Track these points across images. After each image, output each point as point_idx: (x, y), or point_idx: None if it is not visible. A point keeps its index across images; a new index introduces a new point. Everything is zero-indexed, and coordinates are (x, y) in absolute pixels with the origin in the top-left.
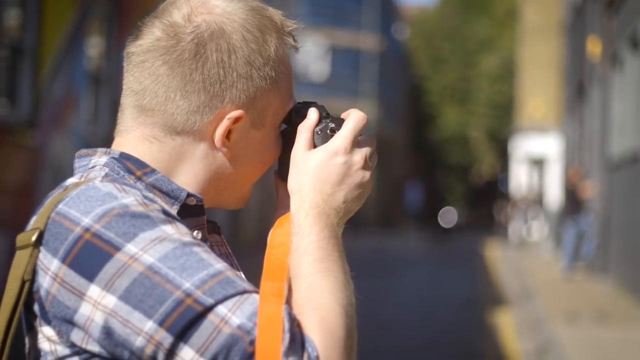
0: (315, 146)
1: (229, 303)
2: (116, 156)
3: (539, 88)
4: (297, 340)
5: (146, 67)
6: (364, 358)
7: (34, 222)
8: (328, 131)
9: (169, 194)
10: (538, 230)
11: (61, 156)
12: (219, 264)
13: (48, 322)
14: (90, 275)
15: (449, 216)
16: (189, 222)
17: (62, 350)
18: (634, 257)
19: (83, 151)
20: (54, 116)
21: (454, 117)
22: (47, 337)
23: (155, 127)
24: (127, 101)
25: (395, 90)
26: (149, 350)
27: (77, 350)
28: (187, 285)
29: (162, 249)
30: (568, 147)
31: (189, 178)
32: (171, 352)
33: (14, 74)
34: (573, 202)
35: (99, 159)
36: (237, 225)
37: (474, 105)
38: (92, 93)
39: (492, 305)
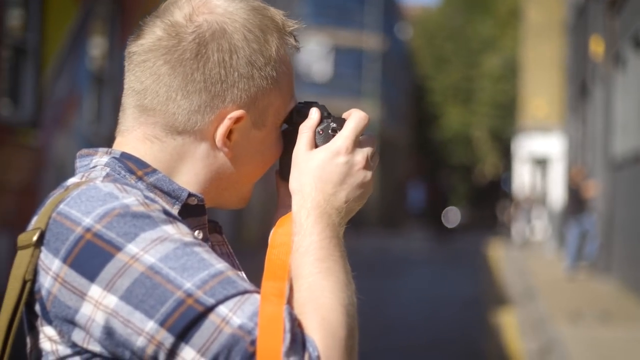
0: (316, 146)
1: (230, 303)
2: (117, 156)
3: (541, 88)
4: (298, 340)
5: (147, 67)
6: (366, 358)
7: (35, 222)
8: (329, 131)
9: (170, 194)
10: (541, 230)
11: (64, 156)
12: (220, 264)
13: (49, 322)
14: (91, 275)
15: (452, 216)
16: (190, 222)
17: (64, 350)
18: (636, 256)
19: (84, 151)
20: (57, 116)
21: (457, 116)
22: (48, 337)
23: (157, 126)
24: (129, 101)
25: (398, 90)
26: (150, 351)
27: (78, 350)
28: (188, 285)
29: (163, 249)
30: (571, 146)
31: (190, 178)
32: (172, 352)
33: (16, 74)
34: (576, 201)
35: (100, 158)
36: (239, 226)
37: (476, 105)
38: (94, 93)
39: (495, 304)
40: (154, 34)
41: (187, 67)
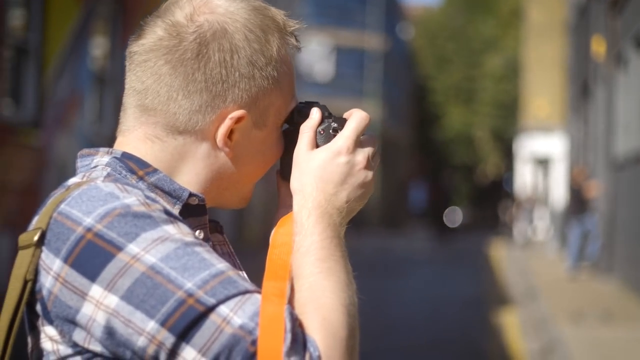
0: (317, 146)
1: (231, 303)
2: (118, 156)
3: (543, 88)
4: (299, 340)
5: (148, 67)
6: (368, 358)
7: (36, 221)
8: (330, 131)
9: (170, 194)
10: (543, 230)
11: (65, 156)
12: (221, 264)
13: (50, 322)
14: (92, 275)
15: (453, 216)
16: (191, 222)
17: (65, 350)
18: (638, 256)
19: (85, 151)
20: (59, 116)
21: (459, 117)
22: (49, 336)
23: (158, 126)
24: (130, 100)
25: (399, 90)
26: (151, 350)
27: (79, 350)
28: (188, 285)
29: (164, 249)
30: (573, 146)
31: (190, 178)
32: (173, 352)
33: (18, 74)
34: (578, 201)
35: (101, 158)
36: (241, 226)
37: (478, 105)
38: (96, 93)
39: (497, 304)
40: (155, 33)
41: (188, 67)
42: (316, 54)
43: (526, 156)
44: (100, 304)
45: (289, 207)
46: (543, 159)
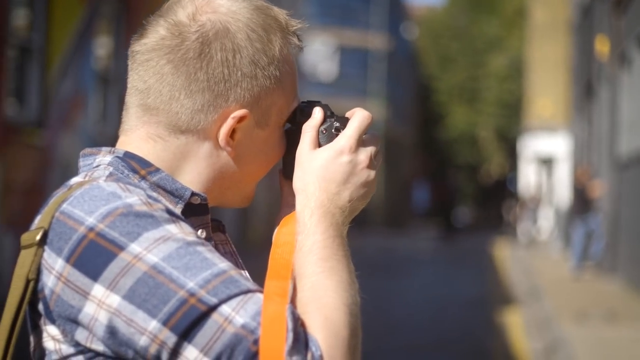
0: (320, 145)
1: (233, 302)
2: (120, 155)
3: (547, 87)
4: (300, 339)
5: (151, 66)
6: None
7: (38, 221)
8: (333, 130)
9: (173, 193)
10: (547, 229)
11: (69, 156)
12: (223, 263)
13: (52, 321)
14: (94, 274)
15: (459, 215)
16: (193, 221)
17: (67, 349)
18: None
19: (87, 150)
20: (62, 116)
21: (463, 116)
22: (51, 336)
23: (160, 126)
24: (132, 100)
25: (403, 90)
26: (153, 350)
27: (81, 349)
28: (191, 284)
29: (166, 248)
30: (577, 146)
31: (193, 177)
32: (175, 352)
33: (22, 74)
34: (582, 201)
35: (103, 158)
36: (245, 226)
37: (482, 104)
38: (100, 93)
39: (501, 304)
40: (157, 33)
41: (191, 66)
42: (320, 54)
43: (530, 156)
44: (102, 304)
45: (291, 206)
46: (547, 158)
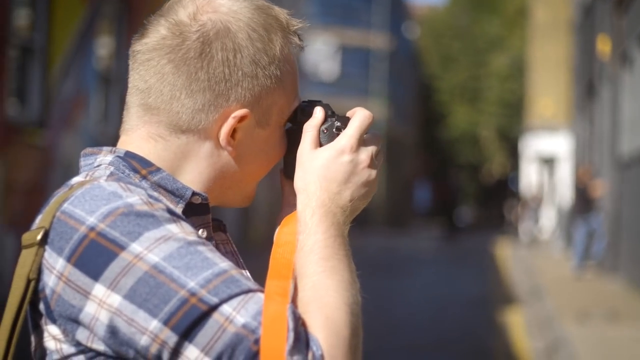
0: (321, 145)
1: (234, 302)
2: (121, 155)
3: (549, 87)
4: (301, 339)
5: (152, 66)
6: (372, 357)
7: (39, 221)
8: (334, 130)
9: (174, 193)
10: (548, 229)
11: (71, 156)
12: (224, 263)
13: (53, 321)
14: (95, 274)
15: (461, 215)
16: (194, 221)
17: (68, 349)
18: None
19: (88, 150)
20: (64, 116)
21: (464, 116)
22: (52, 335)
23: (161, 125)
24: (133, 100)
25: (405, 89)
26: (154, 349)
27: (82, 349)
28: (191, 284)
29: (166, 248)
30: (578, 146)
31: (194, 177)
32: (176, 351)
33: (23, 74)
34: (583, 201)
35: (104, 157)
36: (246, 225)
37: (484, 104)
38: (102, 93)
39: (502, 303)
40: (158, 32)
41: (191, 66)
42: (321, 54)
43: (531, 155)
44: (103, 303)
45: (292, 206)
46: (548, 158)
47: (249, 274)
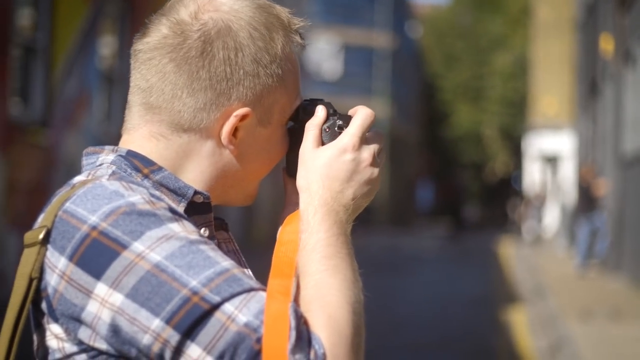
0: (323, 143)
1: (236, 301)
2: (123, 154)
3: (552, 86)
4: (303, 337)
5: (153, 65)
6: (376, 356)
7: (41, 220)
8: (336, 128)
9: (176, 192)
10: (552, 227)
11: (74, 155)
12: (226, 262)
13: (56, 320)
14: (97, 273)
15: (465, 214)
16: (196, 220)
17: (70, 348)
18: None
19: (90, 149)
20: (67, 115)
21: (467, 115)
22: (54, 334)
23: (162, 124)
24: (134, 99)
25: (408, 88)
26: (156, 348)
27: (84, 347)
28: (193, 283)
29: (168, 247)
30: (581, 144)
31: (195, 175)
32: (178, 350)
33: (26, 74)
34: (587, 199)
35: (106, 156)
36: (249, 225)
37: (487, 103)
38: (104, 92)
39: (506, 302)
40: (159, 32)
41: (193, 65)
42: (324, 53)
43: (535, 154)
44: (105, 302)
45: (295, 204)
46: (552, 156)
47: (251, 272)
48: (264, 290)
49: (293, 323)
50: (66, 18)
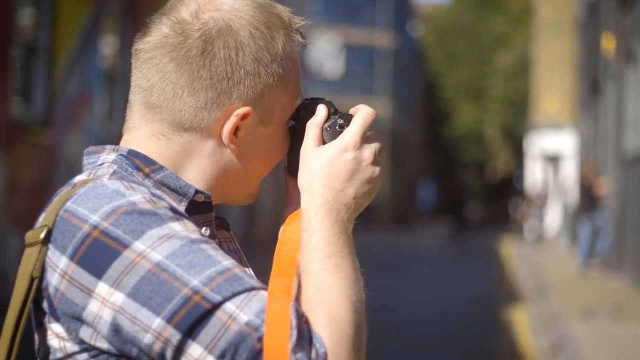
0: (324, 142)
1: (237, 300)
2: (124, 153)
3: (553, 85)
4: (305, 336)
5: (154, 64)
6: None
7: (42, 219)
8: (337, 127)
9: (177, 191)
10: (553, 227)
11: (75, 155)
12: (227, 261)
13: (57, 319)
14: (98, 272)
15: (467, 213)
16: (197, 219)
17: (71, 347)
18: None
19: (91, 148)
20: (68, 115)
21: (469, 114)
22: (56, 333)
23: (163, 124)
24: (135, 98)
25: (409, 88)
26: (157, 347)
27: (86, 347)
28: (194, 282)
29: (169, 246)
30: (583, 143)
31: (196, 175)
32: (179, 349)
33: (28, 73)
34: (588, 199)
35: (107, 156)
36: (251, 224)
37: (488, 102)
38: (106, 92)
39: (507, 301)
40: (160, 31)
41: (194, 64)
42: (326, 52)
43: (536, 153)
44: (106, 301)
45: (297, 203)
46: (553, 156)
47: (252, 271)
48: (265, 289)
49: (294, 322)
50: (67, 17)
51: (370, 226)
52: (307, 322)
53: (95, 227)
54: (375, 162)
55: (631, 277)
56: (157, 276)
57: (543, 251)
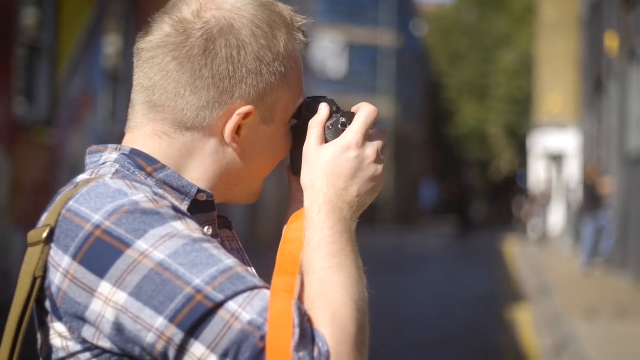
0: (326, 141)
1: (240, 299)
2: (127, 152)
3: (557, 84)
4: (307, 335)
5: (156, 63)
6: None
7: (45, 219)
8: (339, 126)
9: (179, 190)
10: (557, 226)
11: (79, 154)
12: (229, 260)
13: (59, 319)
14: (101, 272)
15: (472, 213)
16: (200, 218)
17: (74, 347)
18: None
19: (94, 147)
20: (72, 115)
21: (472, 113)
22: (58, 333)
23: (166, 123)
24: (138, 97)
25: (413, 87)
26: (159, 347)
27: (88, 346)
28: (197, 281)
29: (172, 245)
30: (586, 142)
31: (199, 174)
32: (182, 348)
33: (31, 73)
34: (592, 198)
35: (110, 155)
36: (254, 223)
37: (492, 101)
38: (109, 91)
39: (511, 301)
40: (162, 30)
41: (196, 63)
42: (329, 51)
43: (540, 152)
44: (109, 301)
45: (300, 202)
46: (557, 155)
47: (254, 270)
48: (268, 288)
49: (297, 321)
50: (71, 17)
51: (373, 225)
52: (309, 320)
53: (97, 226)
54: (378, 160)
55: (634, 276)
56: (159, 275)
57: (546, 250)
